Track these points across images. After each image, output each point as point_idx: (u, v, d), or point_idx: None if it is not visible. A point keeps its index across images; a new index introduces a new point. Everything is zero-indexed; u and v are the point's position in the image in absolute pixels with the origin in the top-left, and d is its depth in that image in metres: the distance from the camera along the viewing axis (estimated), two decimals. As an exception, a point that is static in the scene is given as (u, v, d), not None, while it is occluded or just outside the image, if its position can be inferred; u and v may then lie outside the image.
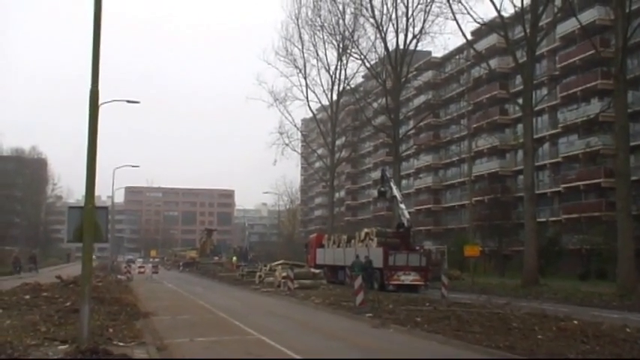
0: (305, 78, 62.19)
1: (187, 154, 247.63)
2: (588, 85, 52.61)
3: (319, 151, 78.28)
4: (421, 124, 69.43)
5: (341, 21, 56.87)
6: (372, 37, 54.49)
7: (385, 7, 51.90)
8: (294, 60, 61.84)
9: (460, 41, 60.07)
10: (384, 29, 51.50)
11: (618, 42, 32.72)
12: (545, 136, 56.57)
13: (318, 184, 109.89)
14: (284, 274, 33.19)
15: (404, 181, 77.53)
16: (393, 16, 50.54)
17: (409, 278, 33.86)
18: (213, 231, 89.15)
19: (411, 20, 49.77)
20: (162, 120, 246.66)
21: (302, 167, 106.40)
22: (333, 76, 61.13)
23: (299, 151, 75.17)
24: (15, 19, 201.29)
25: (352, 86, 63.51)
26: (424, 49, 58.65)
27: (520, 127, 52.53)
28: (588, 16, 49.65)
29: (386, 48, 51.99)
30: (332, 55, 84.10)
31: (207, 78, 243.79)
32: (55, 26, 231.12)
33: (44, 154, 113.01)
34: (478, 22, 42.20)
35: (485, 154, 67.09)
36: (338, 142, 67.40)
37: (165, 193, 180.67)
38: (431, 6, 47.85)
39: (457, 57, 70.23)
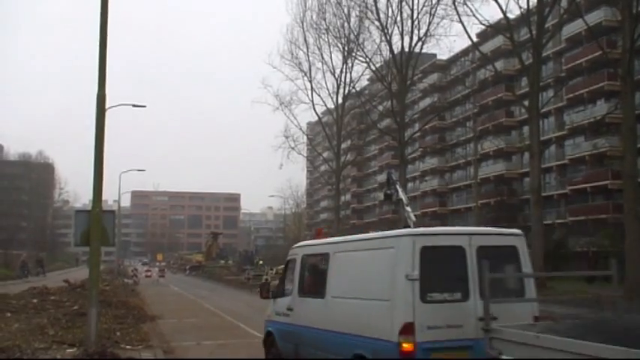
0: (310, 81, 62.19)
1: (193, 158, 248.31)
2: (595, 87, 52.41)
3: (325, 155, 78.24)
4: (427, 126, 69.28)
5: (346, 24, 56.84)
6: (377, 40, 54.40)
7: (390, 9, 51.73)
8: (300, 63, 61.82)
9: (465, 43, 60.01)
10: (389, 32, 51.43)
11: (625, 43, 32.59)
12: (552, 138, 56.37)
13: (323, 187, 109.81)
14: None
15: (409, 184, 77.32)
16: (398, 18, 50.47)
17: (416, 281, 33.80)
18: (219, 235, 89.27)
19: (416, 23, 49.69)
20: (168, 124, 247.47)
21: (307, 171, 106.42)
22: (339, 80, 61.11)
23: (304, 154, 75.10)
24: (23, 24, 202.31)
25: (357, 89, 63.44)
26: (429, 52, 58.52)
27: (526, 129, 52.37)
28: (595, 17, 49.43)
29: (391, 51, 51.93)
30: (337, 59, 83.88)
31: (212, 81, 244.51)
32: (63, 30, 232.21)
33: (51, 159, 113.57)
34: (484, 24, 42.12)
35: (491, 156, 66.92)
36: (343, 146, 67.35)
37: (172, 197, 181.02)
38: (436, 8, 47.75)
39: (462, 59, 70.14)
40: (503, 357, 6.47)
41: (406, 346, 7.85)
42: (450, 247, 8.54)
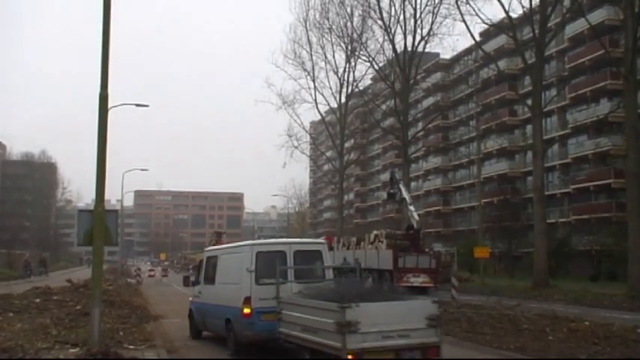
0: (313, 80, 62.24)
1: (196, 158, 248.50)
2: (597, 86, 52.28)
3: (328, 154, 78.25)
4: (430, 125, 69.22)
5: (349, 23, 56.89)
6: (380, 39, 54.43)
7: (393, 9, 51.77)
8: (303, 63, 61.90)
9: (468, 42, 60.06)
10: (392, 31, 51.44)
11: (628, 42, 32.57)
12: (555, 137, 56.28)
13: (327, 186, 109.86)
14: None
15: (413, 183, 77.36)
16: (401, 17, 50.50)
17: (419, 280, 33.74)
18: (222, 234, 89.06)
19: (419, 22, 49.70)
20: (171, 123, 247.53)
21: (311, 170, 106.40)
22: (342, 79, 61.14)
23: (308, 153, 75.29)
24: (26, 24, 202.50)
25: (361, 88, 63.41)
26: (432, 51, 58.50)
27: (529, 128, 52.31)
28: (597, 16, 49.32)
29: (394, 50, 51.94)
30: (340, 58, 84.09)
31: (216, 81, 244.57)
32: (66, 30, 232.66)
33: (54, 159, 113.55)
34: (486, 23, 42.07)
35: (494, 155, 66.80)
36: (347, 145, 67.35)
37: (175, 197, 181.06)
38: (439, 7, 47.76)
39: (466, 58, 70.00)
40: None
41: (246, 310, 12.84)
42: (276, 252, 13.41)
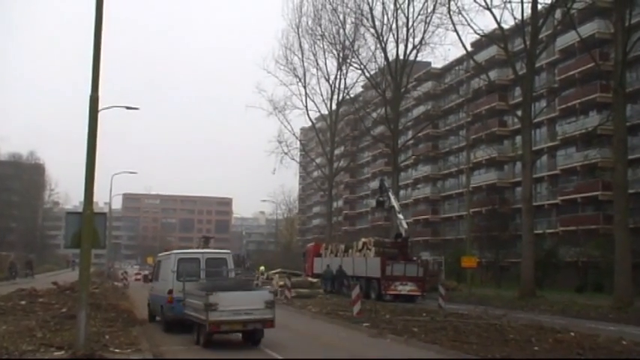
0: (304, 87, 62.32)
1: (186, 162, 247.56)
2: (587, 98, 52.62)
3: (318, 161, 78.28)
4: (420, 134, 69.43)
5: (341, 30, 57.03)
6: (372, 47, 54.61)
7: (386, 17, 51.96)
8: (294, 69, 61.99)
9: (460, 52, 60.26)
10: (385, 39, 51.65)
11: (617, 55, 32.83)
12: (544, 148, 56.57)
13: (316, 193, 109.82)
14: (281, 282, 33.29)
15: (402, 192, 77.41)
16: (394, 26, 50.73)
17: (406, 288, 33.83)
18: (210, 238, 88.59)
19: (411, 31, 49.94)
20: (161, 127, 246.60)
21: (300, 176, 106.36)
22: (333, 86, 61.25)
23: (298, 160, 75.17)
24: (15, 22, 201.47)
25: (352, 96, 63.54)
26: (424, 60, 58.73)
27: (519, 138, 52.49)
28: (588, 29, 49.74)
29: (386, 58, 52.11)
30: (332, 65, 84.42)
31: (206, 85, 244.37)
32: (57, 30, 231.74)
33: (42, 160, 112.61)
34: (478, 34, 42.32)
35: (483, 165, 67.03)
36: (337, 152, 67.40)
37: (163, 200, 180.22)
38: (431, 17, 48.03)
39: (457, 68, 70.26)
40: None
41: (169, 299, 17.92)
42: (192, 258, 19.04)
